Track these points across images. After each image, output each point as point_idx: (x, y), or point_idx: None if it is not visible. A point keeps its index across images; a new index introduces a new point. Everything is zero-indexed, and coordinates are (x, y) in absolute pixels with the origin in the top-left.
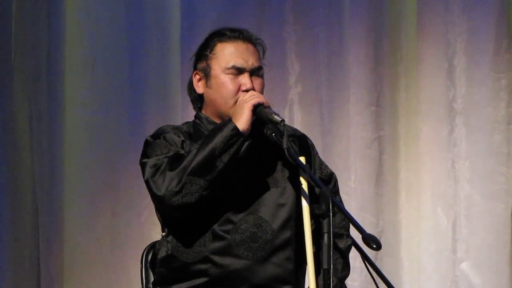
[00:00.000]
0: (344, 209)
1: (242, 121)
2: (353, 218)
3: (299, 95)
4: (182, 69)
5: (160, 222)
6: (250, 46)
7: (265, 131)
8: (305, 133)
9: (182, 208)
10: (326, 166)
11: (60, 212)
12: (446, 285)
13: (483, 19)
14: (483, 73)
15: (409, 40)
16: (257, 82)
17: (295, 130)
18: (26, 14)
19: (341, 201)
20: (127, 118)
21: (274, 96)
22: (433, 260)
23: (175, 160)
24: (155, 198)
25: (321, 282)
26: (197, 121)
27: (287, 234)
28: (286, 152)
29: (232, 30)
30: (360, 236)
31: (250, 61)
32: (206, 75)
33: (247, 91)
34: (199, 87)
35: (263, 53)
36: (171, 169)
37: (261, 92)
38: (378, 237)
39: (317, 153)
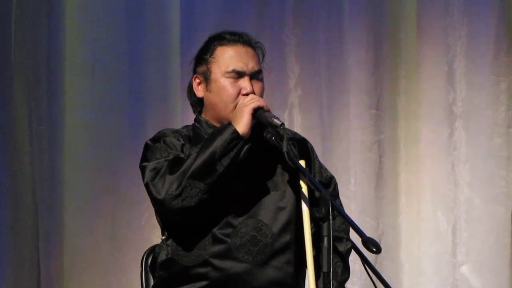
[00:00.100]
0: (344, 212)
1: (242, 125)
2: (353, 222)
3: (299, 99)
4: (182, 72)
5: (160, 225)
6: (250, 50)
7: (265, 135)
8: (305, 137)
9: (182, 211)
10: (326, 169)
11: (60, 215)
12: None
13: (483, 23)
14: (483, 76)
15: (409, 44)
16: (257, 85)
17: (295, 133)
18: (26, 17)
19: (341, 204)
20: (127, 121)
21: (274, 100)
22: (433, 263)
23: (175, 164)
24: (155, 201)
25: (321, 286)
26: (197, 124)
27: (287, 237)
28: (286, 155)
29: (232, 34)
30: (360, 239)
31: (250, 65)
32: (206, 79)
33: (247, 94)
34: (199, 91)
35: (263, 56)
36: (171, 172)
37: (261, 95)
38: (378, 241)
39: (316, 156)
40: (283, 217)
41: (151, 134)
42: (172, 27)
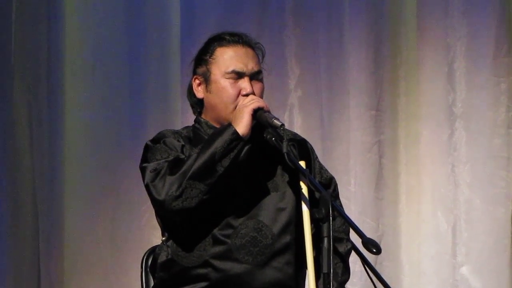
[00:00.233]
0: (344, 213)
1: (242, 126)
2: (353, 222)
3: (299, 99)
4: (181, 73)
5: (160, 226)
6: (250, 50)
7: (265, 136)
8: (305, 137)
9: (182, 212)
10: (326, 170)
11: (60, 216)
12: None
13: (483, 23)
14: (483, 77)
15: (409, 44)
16: (257, 86)
17: (295, 134)
18: (26, 18)
19: (341, 205)
20: (127, 122)
21: (274, 100)
22: (433, 264)
23: (175, 165)
24: (155, 202)
25: (321, 287)
26: (197, 125)
27: (287, 238)
28: (286, 156)
29: (232, 35)
30: (360, 240)
31: (250, 65)
32: (206, 80)
33: (247, 95)
34: (199, 92)
35: (263, 57)
36: (171, 173)
37: (261, 96)
38: (378, 241)
39: (317, 157)
40: (283, 218)
41: (151, 135)
42: (172, 27)
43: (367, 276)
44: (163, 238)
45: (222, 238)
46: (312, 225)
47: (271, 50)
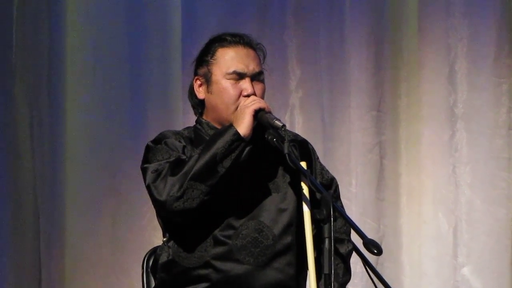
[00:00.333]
0: (345, 214)
1: (243, 126)
2: (354, 223)
3: (300, 100)
4: (183, 74)
5: (161, 227)
6: (251, 51)
7: (266, 136)
8: (306, 138)
9: (184, 213)
10: (327, 171)
11: (61, 217)
12: None
13: (484, 24)
14: (484, 78)
15: (410, 45)
16: (258, 87)
17: (296, 135)
18: (27, 19)
19: (342, 206)
20: (128, 123)
21: (275, 101)
22: (434, 265)
23: (177, 165)
24: (157, 203)
25: (322, 287)
26: (198, 126)
27: (288, 239)
28: (287, 157)
29: (233, 35)
30: (361, 241)
31: (251, 66)
32: (207, 81)
33: (248, 96)
34: (200, 93)
35: (264, 58)
36: (173, 174)
37: (262, 97)
38: (379, 242)
39: (318, 158)
40: (284, 218)
41: (152, 135)
42: (173, 28)
43: (368, 277)
44: (164, 239)
45: (223, 239)
46: (313, 226)
47: (272, 51)
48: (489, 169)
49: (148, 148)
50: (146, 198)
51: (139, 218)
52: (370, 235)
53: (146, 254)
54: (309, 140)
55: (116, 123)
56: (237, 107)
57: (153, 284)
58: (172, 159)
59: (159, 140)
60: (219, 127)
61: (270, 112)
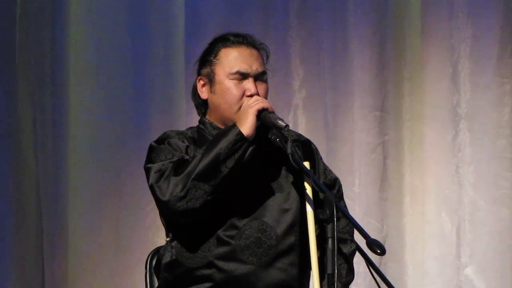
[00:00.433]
0: (348, 214)
1: (247, 126)
2: (357, 223)
3: (303, 100)
4: (186, 74)
5: (164, 227)
6: (254, 51)
7: (269, 136)
8: (309, 138)
9: (187, 213)
10: (330, 171)
11: (64, 217)
12: None
13: (487, 24)
14: (487, 78)
15: (413, 45)
16: (261, 87)
17: (299, 135)
18: (30, 19)
19: (345, 206)
20: (131, 123)
21: (278, 101)
22: (437, 265)
23: (180, 165)
24: (160, 203)
25: (325, 287)
26: (201, 126)
27: (291, 239)
28: (290, 157)
29: (236, 35)
30: (364, 241)
31: (254, 66)
32: (210, 81)
33: (251, 96)
34: (203, 93)
35: (267, 58)
36: (176, 174)
37: (265, 97)
38: (382, 242)
39: (321, 158)
40: (287, 218)
41: (155, 135)
42: (177, 28)
43: (372, 277)
44: (168, 239)
45: (226, 239)
46: (317, 225)
47: (275, 51)
48: (493, 169)
49: (151, 148)
50: (149, 198)
51: (142, 218)
52: (373, 235)
53: (149, 254)
54: (312, 140)
55: (119, 123)
56: (240, 107)
57: (156, 284)
58: (175, 159)
59: (162, 140)
60: (222, 127)
61: (273, 112)
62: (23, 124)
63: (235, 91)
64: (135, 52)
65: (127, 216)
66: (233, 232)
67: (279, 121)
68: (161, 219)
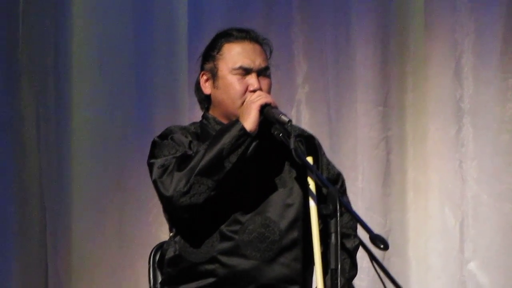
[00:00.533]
0: (352, 209)
1: (250, 121)
2: (361, 218)
3: (306, 95)
4: (189, 69)
5: (167, 222)
6: (257, 46)
7: (272, 132)
8: (313, 133)
9: (190, 208)
10: (334, 166)
11: (67, 212)
12: (454, 285)
13: (490, 19)
14: (490, 73)
15: (416, 40)
16: (264, 82)
17: (302, 130)
18: (33, 15)
19: (348, 201)
20: (134, 118)
21: (281, 96)
22: (440, 260)
23: (183, 161)
24: (163, 198)
25: (328, 282)
26: (204, 121)
27: (294, 234)
28: (293, 152)
29: (239, 31)
30: (368, 236)
31: (257, 62)
32: (213, 76)
33: (254, 91)
34: (206, 88)
35: (270, 53)
36: (179, 169)
37: (268, 92)
38: (385, 237)
39: (324, 153)
40: (290, 214)
41: (158, 131)
42: (180, 23)
43: (375, 272)
44: (171, 234)
45: (230, 234)
46: (320, 221)
47: (278, 46)
48: (496, 164)
49: (154, 144)
50: (152, 193)
51: (146, 214)
52: (376, 230)
53: (152, 249)
54: (315, 135)
55: (122, 119)
56: (243, 102)
57: (159, 279)
58: (178, 154)
59: (166, 135)
60: (225, 122)
61: (276, 107)
62: (26, 119)
63: (238, 86)
64: (138, 47)
65: (130, 211)
66: (236, 227)
67: (282, 116)
68: (164, 215)
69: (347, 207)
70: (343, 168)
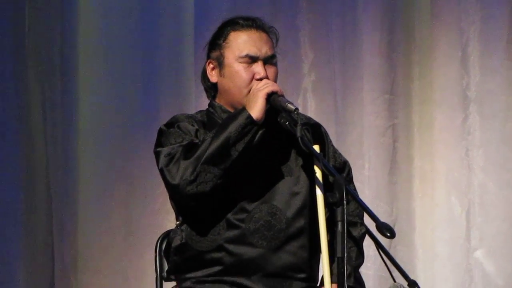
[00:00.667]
0: (358, 197)
1: (256, 110)
2: (367, 206)
3: (313, 84)
4: (195, 57)
5: (174, 210)
6: (264, 35)
7: (279, 120)
8: (319, 122)
9: (197, 197)
10: (340, 154)
11: (74, 201)
12: (460, 273)
13: (497, 7)
14: (497, 61)
15: (422, 29)
16: (270, 70)
17: (309, 118)
18: (40, 5)
19: (355, 189)
20: (141, 107)
21: (287, 85)
22: (447, 248)
23: (189, 149)
24: (170, 187)
25: (335, 271)
26: (211, 109)
27: (301, 222)
28: (300, 140)
29: (245, 19)
30: (374, 224)
31: (264, 50)
32: (220, 64)
33: (260, 79)
34: (213, 76)
35: (277, 41)
36: (186, 158)
37: (275, 80)
38: (392, 225)
39: (331, 141)
40: (297, 202)
41: (165, 119)
42: (186, 12)
43: (381, 260)
44: (177, 222)
45: (236, 223)
46: (326, 209)
47: (285, 35)
48: (502, 152)
49: (161, 132)
50: (159, 182)
51: (152, 202)
52: (383, 218)
53: (159, 238)
54: (321, 124)
55: (129, 107)
56: (249, 91)
57: (166, 267)
58: (185, 142)
59: (172, 123)
60: (231, 110)
61: (282, 96)
62: (33, 109)
63: (245, 75)
64: (144, 36)
65: (137, 200)
66: (243, 216)
67: (289, 105)
68: (171, 203)
69: (353, 195)
70: (350, 156)
